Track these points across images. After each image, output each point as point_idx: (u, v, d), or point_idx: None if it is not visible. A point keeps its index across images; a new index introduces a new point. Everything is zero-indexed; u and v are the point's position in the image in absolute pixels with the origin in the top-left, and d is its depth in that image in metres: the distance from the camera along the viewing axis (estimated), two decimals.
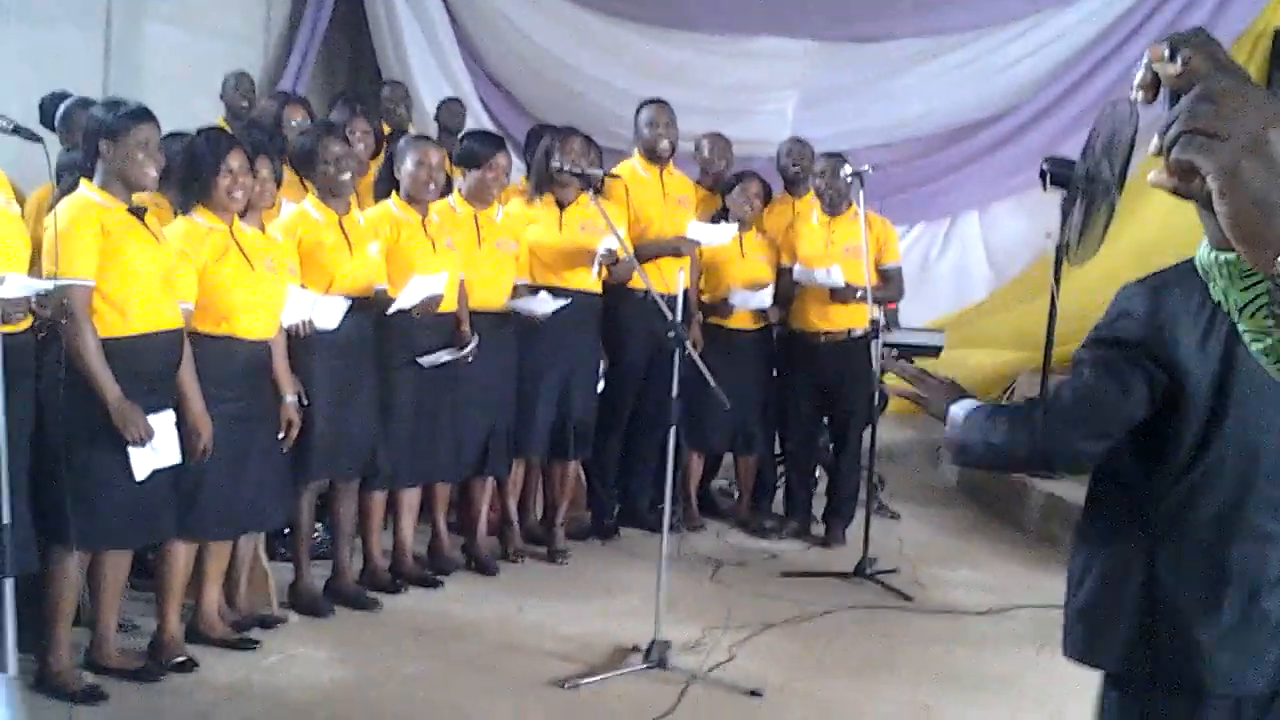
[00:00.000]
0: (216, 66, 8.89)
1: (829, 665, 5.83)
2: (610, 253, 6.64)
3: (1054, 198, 9.88)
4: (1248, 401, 2.77)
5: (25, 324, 4.49)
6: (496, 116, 10.43)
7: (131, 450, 4.80)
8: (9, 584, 4.19)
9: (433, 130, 8.72)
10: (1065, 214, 8.21)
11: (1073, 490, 7.96)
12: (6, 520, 4.15)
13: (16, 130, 4.26)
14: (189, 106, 7.76)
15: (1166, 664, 2.85)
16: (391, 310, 5.89)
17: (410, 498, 6.32)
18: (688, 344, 5.46)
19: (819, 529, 7.70)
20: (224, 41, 9.92)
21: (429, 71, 10.48)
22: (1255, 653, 2.80)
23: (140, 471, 4.85)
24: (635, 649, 5.66)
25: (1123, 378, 2.82)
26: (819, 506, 7.82)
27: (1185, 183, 1.25)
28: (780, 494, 7.98)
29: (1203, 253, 1.38)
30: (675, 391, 5.52)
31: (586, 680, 5.38)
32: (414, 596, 6.28)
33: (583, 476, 7.38)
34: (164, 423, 4.89)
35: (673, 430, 5.56)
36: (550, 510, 7.05)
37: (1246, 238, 1.22)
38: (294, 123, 6.90)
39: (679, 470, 7.54)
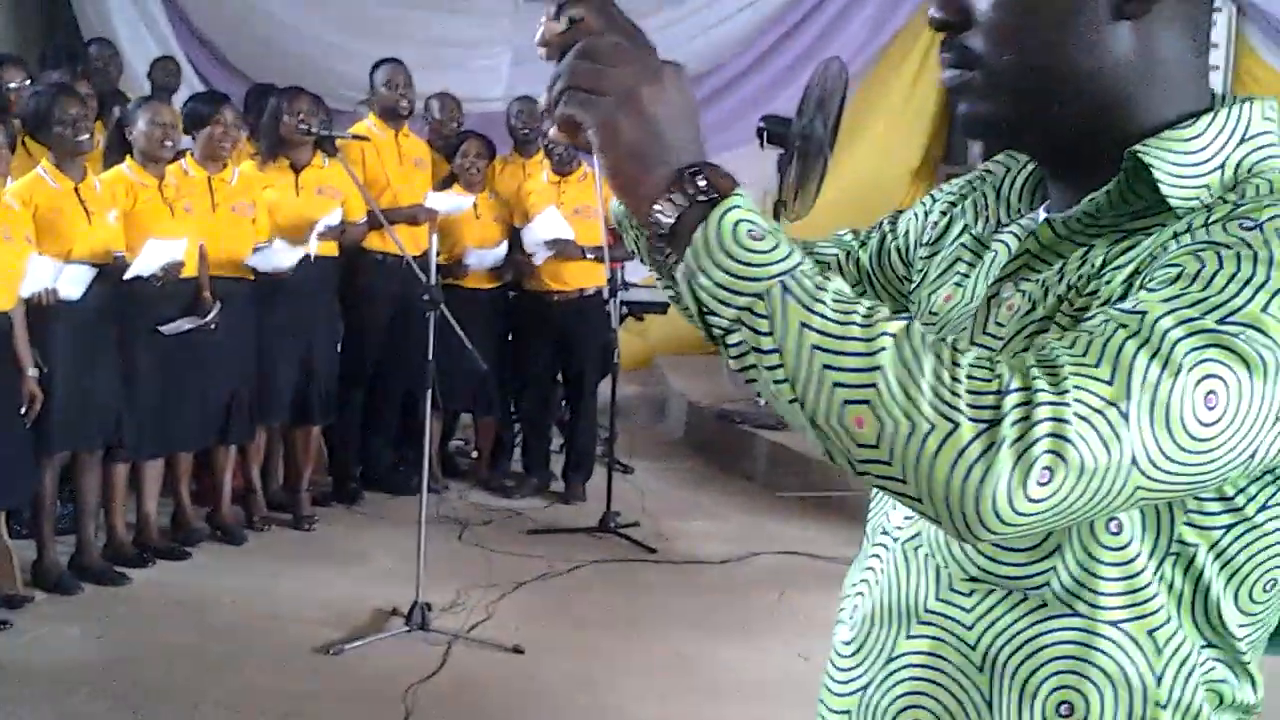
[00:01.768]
0: None
1: (585, 619, 5.96)
2: (331, 228, 6.61)
3: (754, 158, 10.22)
4: None
5: None
6: (205, 76, 10.14)
7: None
8: None
9: (146, 90, 8.46)
10: (781, 172, 8.48)
11: (796, 438, 8.25)
12: None
13: None
14: None
15: None
16: (129, 276, 5.73)
17: (154, 468, 6.19)
18: (442, 306, 5.49)
19: (558, 486, 7.81)
20: None
21: (135, 29, 10.12)
22: None
23: None
24: (395, 612, 5.68)
25: None
26: (556, 464, 7.93)
27: (572, 137, 1.33)
28: (518, 452, 8.05)
29: (614, 204, 1.54)
30: (430, 354, 5.55)
31: (350, 645, 5.39)
32: (162, 569, 6.15)
33: (322, 441, 7.31)
34: None
35: (429, 392, 5.60)
36: (294, 476, 6.97)
37: (624, 188, 1.30)
38: (12, 85, 6.61)
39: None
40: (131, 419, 5.90)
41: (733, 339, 1.24)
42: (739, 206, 1.24)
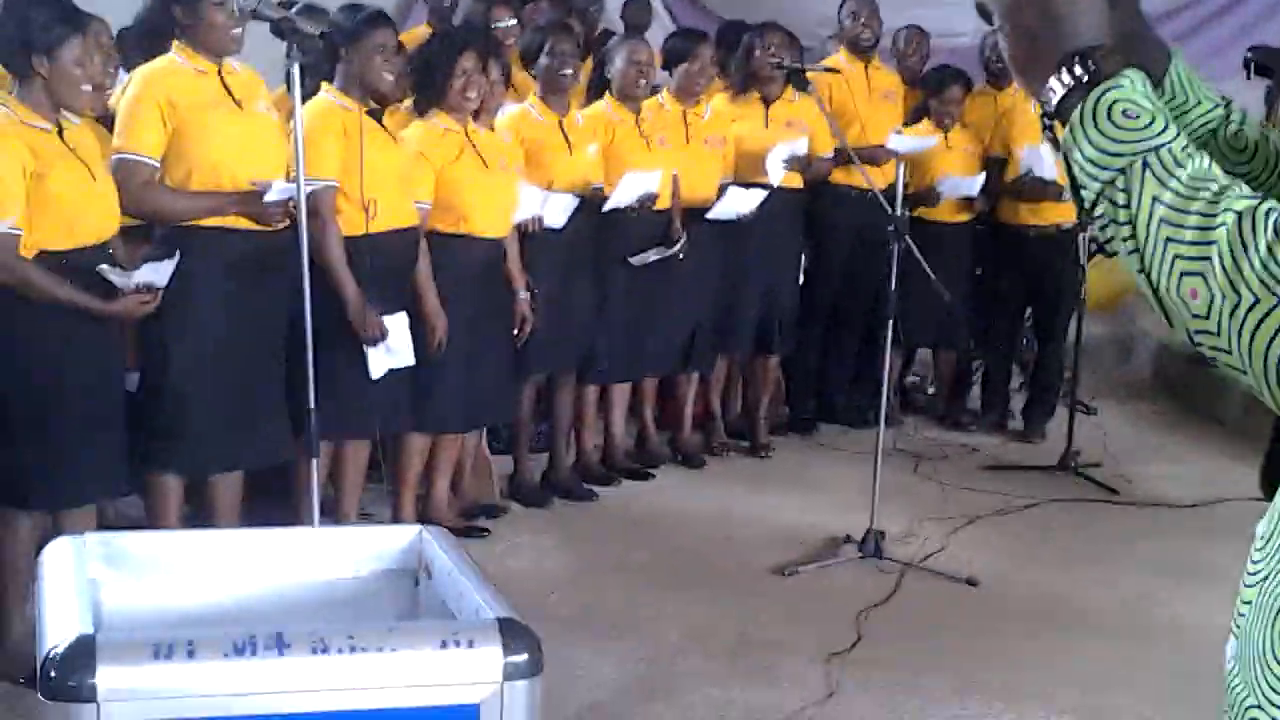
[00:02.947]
0: None
1: (1041, 556, 5.90)
2: (795, 157, 6.68)
3: (1238, 90, 9.71)
4: None
5: (284, 225, 4.67)
6: (676, 15, 10.39)
7: (368, 350, 4.99)
8: (314, 463, 4.47)
9: (619, 29, 8.74)
10: (1269, 103, 8.07)
11: None
12: (312, 405, 4.38)
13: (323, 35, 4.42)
14: None
15: None
16: (607, 208, 5.99)
17: (622, 392, 6.46)
18: (906, 237, 5.50)
19: (1015, 424, 7.72)
20: None
21: None
22: None
23: (376, 371, 5.04)
24: (849, 539, 5.75)
25: None
26: (1015, 401, 7.84)
27: (988, 22, 1.46)
28: (976, 389, 7.99)
29: None
30: (894, 286, 5.58)
31: (805, 567, 5.51)
32: (626, 489, 6.44)
33: (780, 372, 7.44)
34: (398, 324, 5.05)
35: (890, 323, 5.64)
36: (753, 405, 7.15)
37: (1021, 68, 1.44)
38: (500, 24, 6.98)
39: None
40: (604, 344, 6.17)
41: (1098, 211, 1.35)
42: (1119, 88, 1.34)
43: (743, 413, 7.25)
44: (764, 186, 6.60)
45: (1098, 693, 4.62)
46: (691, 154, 6.36)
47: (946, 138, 7.33)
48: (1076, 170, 1.36)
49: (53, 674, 2.07)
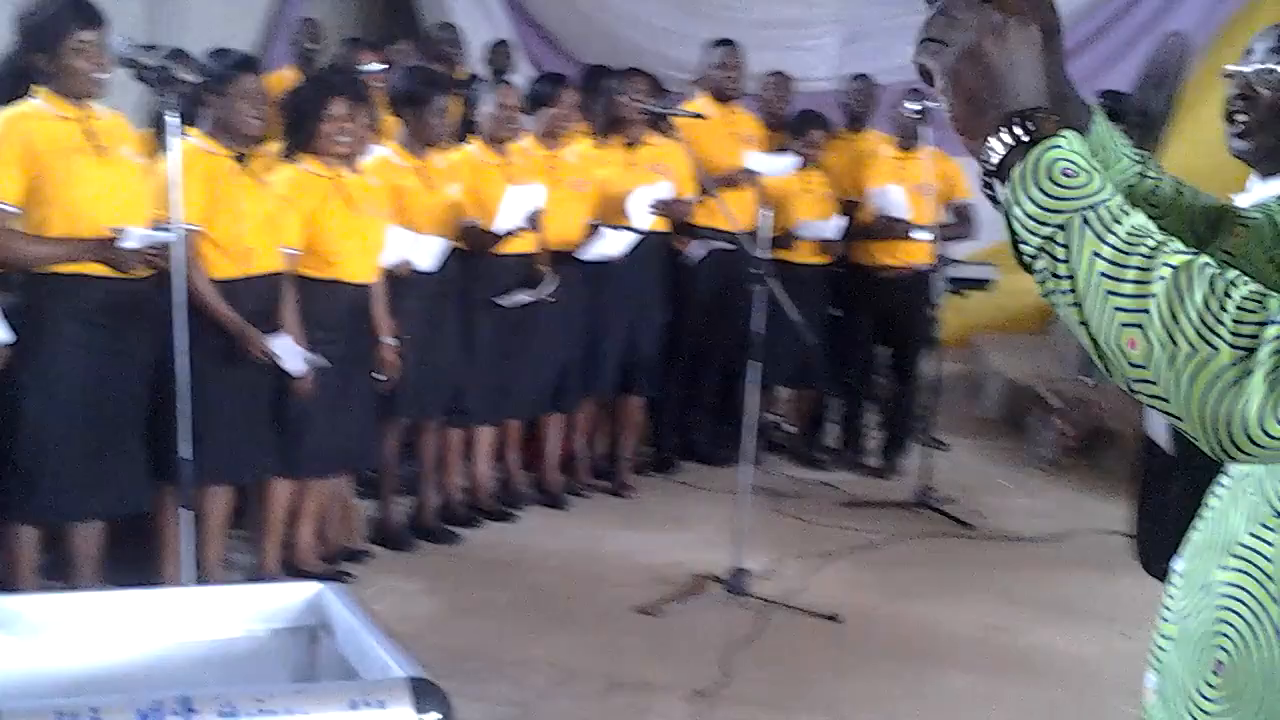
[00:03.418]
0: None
1: (902, 590, 6.02)
2: (660, 202, 6.77)
3: None
4: None
5: (144, 273, 4.63)
6: (537, 59, 10.49)
7: (281, 362, 5.05)
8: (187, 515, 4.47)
9: (481, 73, 8.80)
10: None
11: (1120, 420, 8.11)
12: (189, 455, 4.40)
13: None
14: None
15: None
16: (496, 227, 6.04)
17: (487, 435, 6.47)
18: (769, 280, 5.59)
19: (871, 461, 7.86)
20: None
21: (471, 14, 10.52)
22: None
23: (295, 367, 5.09)
24: (714, 578, 5.83)
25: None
26: (871, 439, 7.99)
27: (929, 83, 1.54)
28: (833, 427, 8.12)
29: None
30: (760, 327, 5.68)
31: (671, 606, 5.58)
32: (491, 530, 6.44)
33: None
34: (283, 342, 5.10)
35: (758, 366, 5.73)
36: (616, 445, 7.20)
37: (963, 128, 1.51)
38: (367, 68, 6.97)
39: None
40: (471, 387, 6.18)
41: (1037, 265, 1.42)
42: (1059, 147, 1.42)
43: (606, 453, 7.29)
44: (635, 230, 6.67)
45: None
46: (556, 197, 6.40)
47: (808, 180, 7.46)
48: (1017, 226, 1.43)
49: None
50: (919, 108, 7.26)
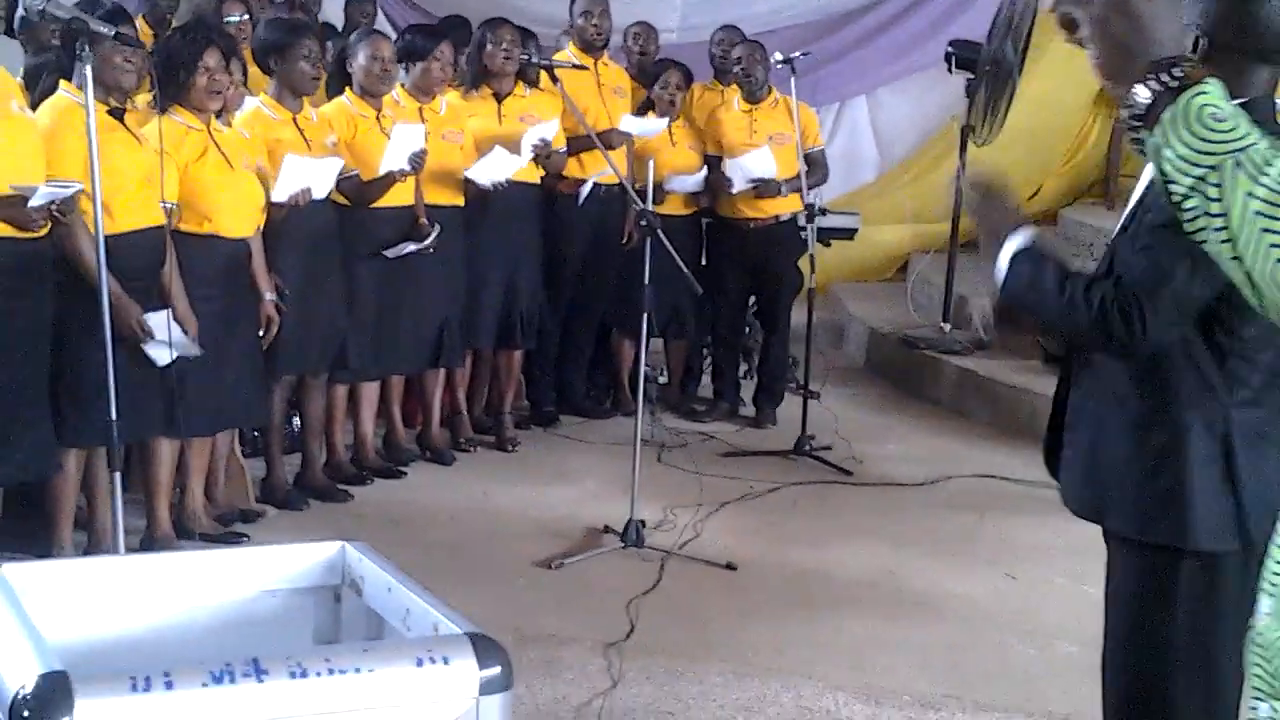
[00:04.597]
0: None
1: (791, 537, 6.08)
2: (544, 142, 6.71)
3: (935, 81, 10.24)
4: None
5: (44, 231, 4.48)
6: (390, 15, 10.30)
7: (147, 347, 4.88)
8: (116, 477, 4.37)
9: (340, 24, 8.63)
10: (971, 96, 8.48)
11: (983, 364, 8.28)
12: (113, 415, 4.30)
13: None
14: None
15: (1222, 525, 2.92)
16: (383, 170, 6.00)
17: (371, 391, 6.40)
18: (659, 230, 5.58)
19: (745, 410, 7.92)
20: None
21: None
22: None
23: (160, 359, 4.93)
24: (607, 529, 5.85)
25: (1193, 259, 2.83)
26: (744, 389, 8.05)
27: (1071, 34, 1.65)
28: (707, 377, 8.16)
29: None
30: (648, 279, 5.67)
31: (571, 559, 5.57)
32: (380, 488, 6.37)
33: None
34: (161, 320, 4.91)
35: (645, 316, 5.73)
36: (498, 399, 7.15)
37: (1110, 75, 1.62)
38: (231, 19, 6.80)
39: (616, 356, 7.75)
40: (354, 342, 6.09)
41: (1188, 204, 1.50)
42: (1206, 93, 1.50)
43: (487, 407, 7.24)
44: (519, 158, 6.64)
45: (869, 669, 4.80)
46: (432, 149, 6.30)
47: (671, 132, 7.45)
48: (1168, 167, 1.51)
49: (26, 714, 1.97)
50: (784, 58, 7.30)
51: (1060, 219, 10.19)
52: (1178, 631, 2.91)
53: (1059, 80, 10.30)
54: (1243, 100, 2.81)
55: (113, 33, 4.19)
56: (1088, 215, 9.98)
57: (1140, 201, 2.90)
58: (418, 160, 6.06)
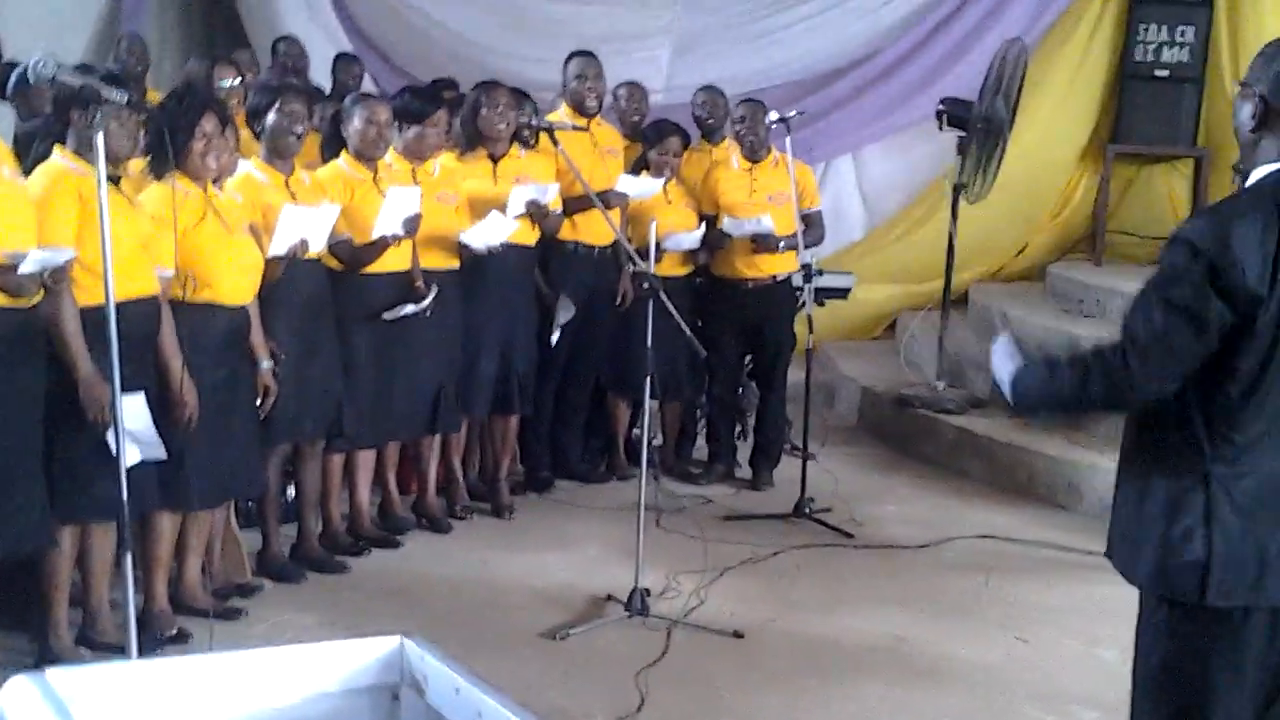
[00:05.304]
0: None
1: (797, 602, 5.99)
2: (536, 204, 6.64)
3: (923, 139, 10.24)
4: None
5: (37, 299, 4.38)
6: (375, 76, 10.25)
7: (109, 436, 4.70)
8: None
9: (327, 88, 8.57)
10: (963, 153, 8.45)
11: (979, 423, 8.22)
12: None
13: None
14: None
15: (1234, 581, 2.98)
16: (376, 233, 5.91)
17: (367, 459, 6.28)
18: (661, 294, 5.52)
19: (742, 472, 7.82)
20: None
21: (307, 30, 10.23)
22: None
23: (130, 459, 4.75)
24: (611, 598, 5.75)
25: (1197, 315, 2.91)
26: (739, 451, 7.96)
27: None
28: (702, 439, 8.06)
29: None
30: (649, 342, 5.60)
31: (575, 630, 5.46)
32: (377, 558, 6.24)
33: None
34: (136, 405, 4.64)
35: (648, 379, 5.66)
36: (494, 465, 7.05)
37: None
38: (224, 83, 6.73)
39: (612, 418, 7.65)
40: (350, 410, 5.98)
41: None
42: None
43: (482, 474, 7.13)
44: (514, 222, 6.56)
45: None
46: (427, 211, 6.21)
47: (666, 191, 7.39)
48: None
49: None
50: (779, 117, 7.27)
51: (1048, 275, 10.16)
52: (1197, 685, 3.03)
53: (1045, 136, 10.34)
54: None
55: (125, 99, 4.09)
56: (1075, 271, 9.95)
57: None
58: (412, 224, 5.99)
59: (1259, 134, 2.95)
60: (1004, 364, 3.29)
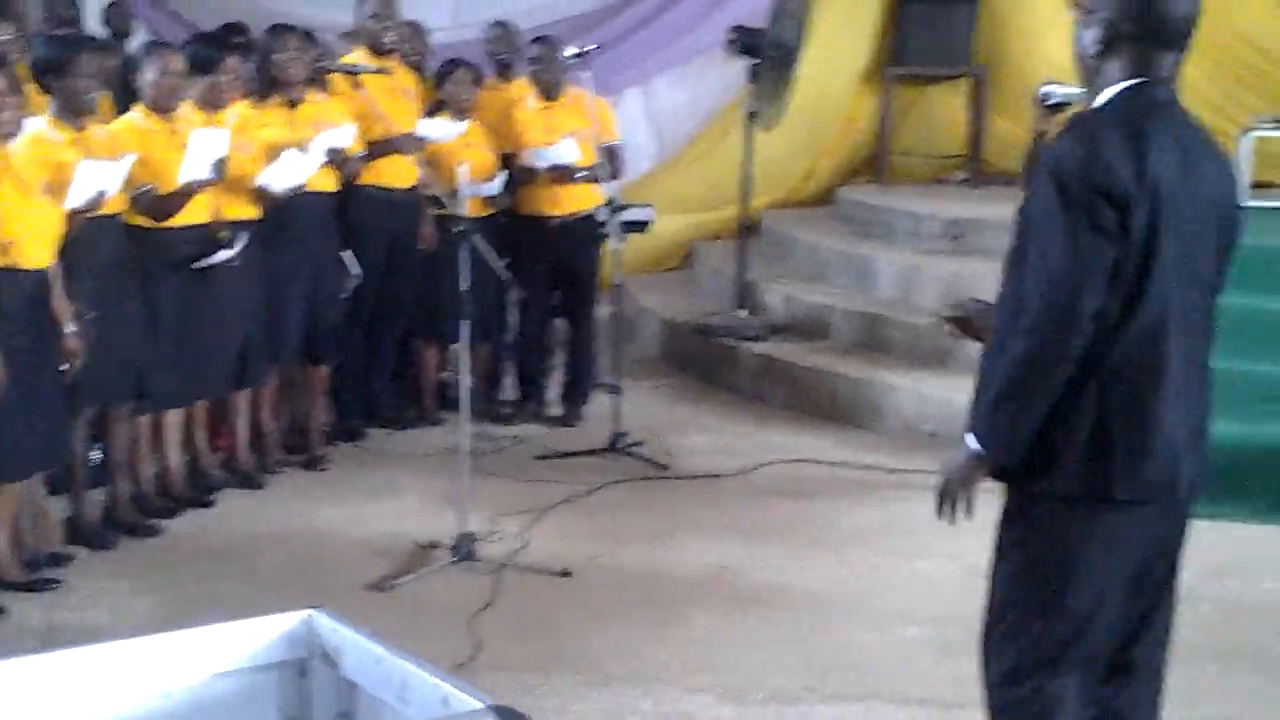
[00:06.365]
0: None
1: (620, 537, 6.05)
2: (337, 150, 6.54)
3: (708, 67, 10.34)
4: (1171, 230, 2.96)
5: None
6: (153, 25, 9.91)
7: None
8: None
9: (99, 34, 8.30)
10: (756, 81, 8.52)
11: (780, 348, 8.36)
12: None
13: None
14: None
15: (1118, 474, 2.99)
16: (183, 179, 5.76)
17: (175, 417, 6.13)
18: (477, 237, 5.48)
19: (551, 410, 7.84)
20: None
21: None
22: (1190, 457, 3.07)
23: None
24: (435, 545, 5.73)
25: (1095, 218, 2.87)
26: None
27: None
28: (511, 379, 8.05)
29: None
30: (467, 286, 5.57)
31: (402, 579, 5.43)
32: (190, 518, 6.11)
33: None
34: None
35: (468, 325, 5.64)
36: (306, 417, 6.94)
37: None
38: (2, 38, 6.45)
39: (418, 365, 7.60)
40: (156, 369, 5.83)
41: None
42: None
43: (292, 425, 7.02)
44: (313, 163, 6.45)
45: (722, 668, 4.79)
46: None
47: (466, 134, 7.32)
48: None
49: None
50: (575, 53, 7.24)
51: (836, 199, 10.35)
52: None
53: (828, 61, 10.46)
54: (1145, 80, 2.94)
55: None
56: (862, 193, 10.16)
57: None
58: (220, 167, 5.83)
59: (1103, 58, 3.00)
60: (963, 451, 3.11)
